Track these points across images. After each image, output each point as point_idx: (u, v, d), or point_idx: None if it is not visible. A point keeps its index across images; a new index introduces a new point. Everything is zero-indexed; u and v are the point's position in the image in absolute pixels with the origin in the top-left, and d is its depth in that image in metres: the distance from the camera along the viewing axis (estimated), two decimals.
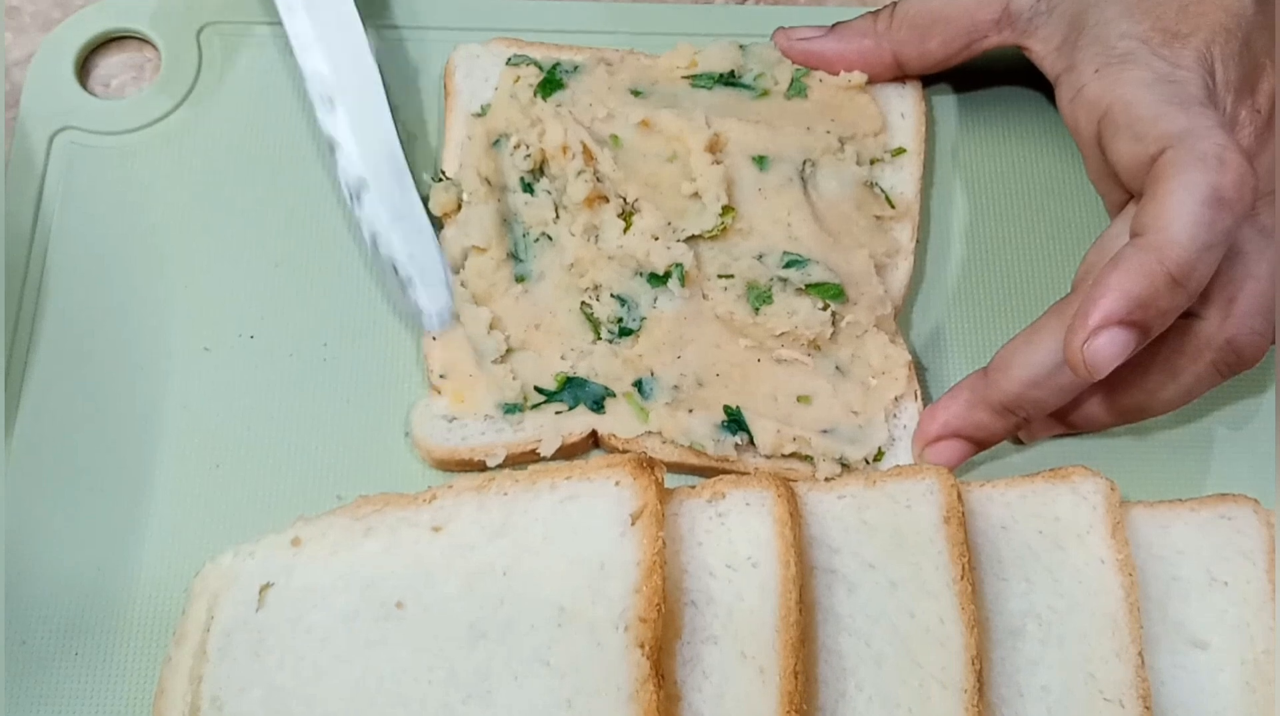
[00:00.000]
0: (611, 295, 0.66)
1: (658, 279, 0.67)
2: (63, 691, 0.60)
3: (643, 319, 0.66)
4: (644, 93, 0.71)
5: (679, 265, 0.66)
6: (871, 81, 0.73)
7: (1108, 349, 0.58)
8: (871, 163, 0.71)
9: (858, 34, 0.72)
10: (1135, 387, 0.65)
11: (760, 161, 0.69)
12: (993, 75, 0.76)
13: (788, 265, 0.67)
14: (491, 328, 0.66)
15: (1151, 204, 0.58)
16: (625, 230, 0.67)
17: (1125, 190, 0.64)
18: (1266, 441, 0.69)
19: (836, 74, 0.73)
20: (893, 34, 0.72)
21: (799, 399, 0.65)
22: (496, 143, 0.70)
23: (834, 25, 0.73)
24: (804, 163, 0.70)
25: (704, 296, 0.67)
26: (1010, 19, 0.69)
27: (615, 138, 0.70)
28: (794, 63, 0.73)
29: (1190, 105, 0.60)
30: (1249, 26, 0.63)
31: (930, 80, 0.75)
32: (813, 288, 0.66)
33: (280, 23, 0.75)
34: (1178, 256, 0.57)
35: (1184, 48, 0.62)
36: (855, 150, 0.71)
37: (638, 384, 0.66)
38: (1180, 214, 0.57)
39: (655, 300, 0.67)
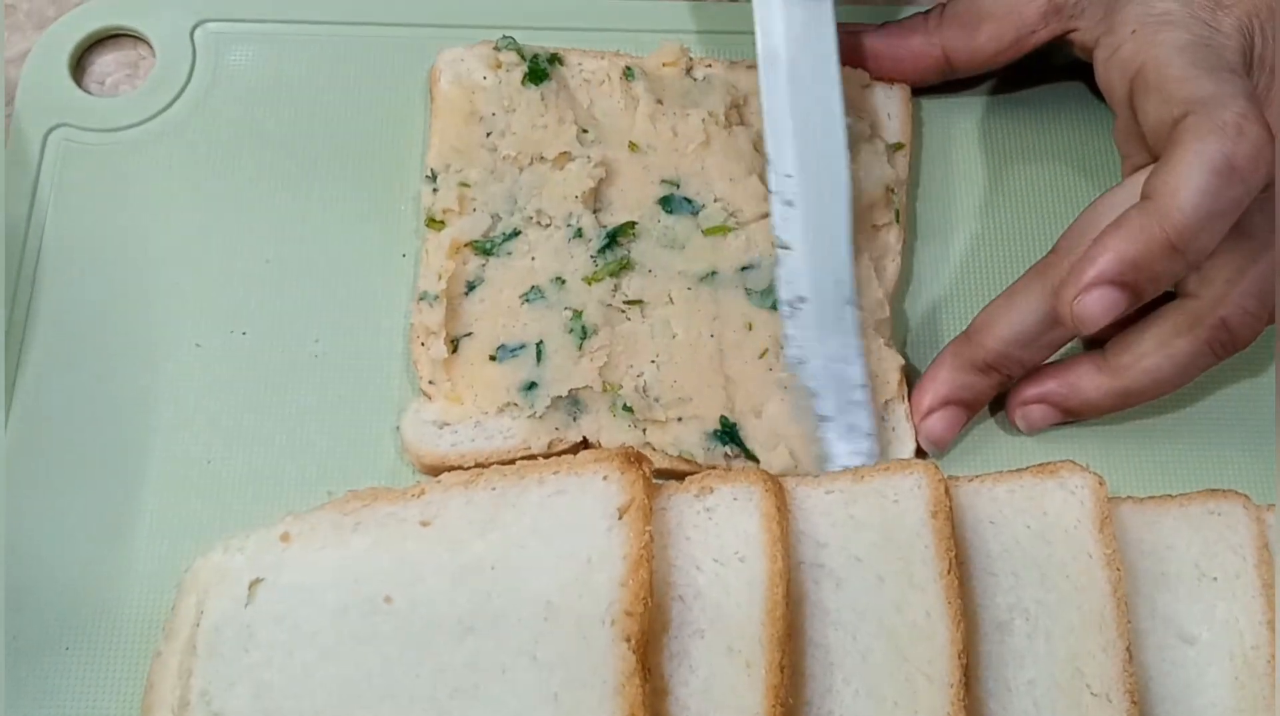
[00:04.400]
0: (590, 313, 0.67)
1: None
2: (52, 686, 0.61)
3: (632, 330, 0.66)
4: (636, 78, 0.71)
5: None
6: (920, 81, 0.73)
7: (1097, 306, 0.58)
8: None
9: (907, 31, 0.72)
10: (1134, 371, 0.65)
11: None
12: (983, 76, 0.76)
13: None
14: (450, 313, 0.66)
15: (1163, 168, 0.58)
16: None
17: (1149, 153, 0.64)
18: (1256, 437, 0.69)
19: (884, 72, 0.73)
20: (943, 31, 0.71)
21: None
22: (480, 120, 0.70)
23: (882, 24, 0.73)
24: None
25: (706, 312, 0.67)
26: (1056, 8, 0.68)
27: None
28: (839, 61, 0.72)
29: (1220, 71, 0.60)
30: None
31: None
32: None
33: (273, 20, 0.76)
34: (1179, 222, 0.57)
35: (1226, 15, 0.62)
36: (883, 145, 0.70)
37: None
38: (1188, 180, 0.57)
39: (642, 312, 0.67)
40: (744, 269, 0.67)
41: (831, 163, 0.66)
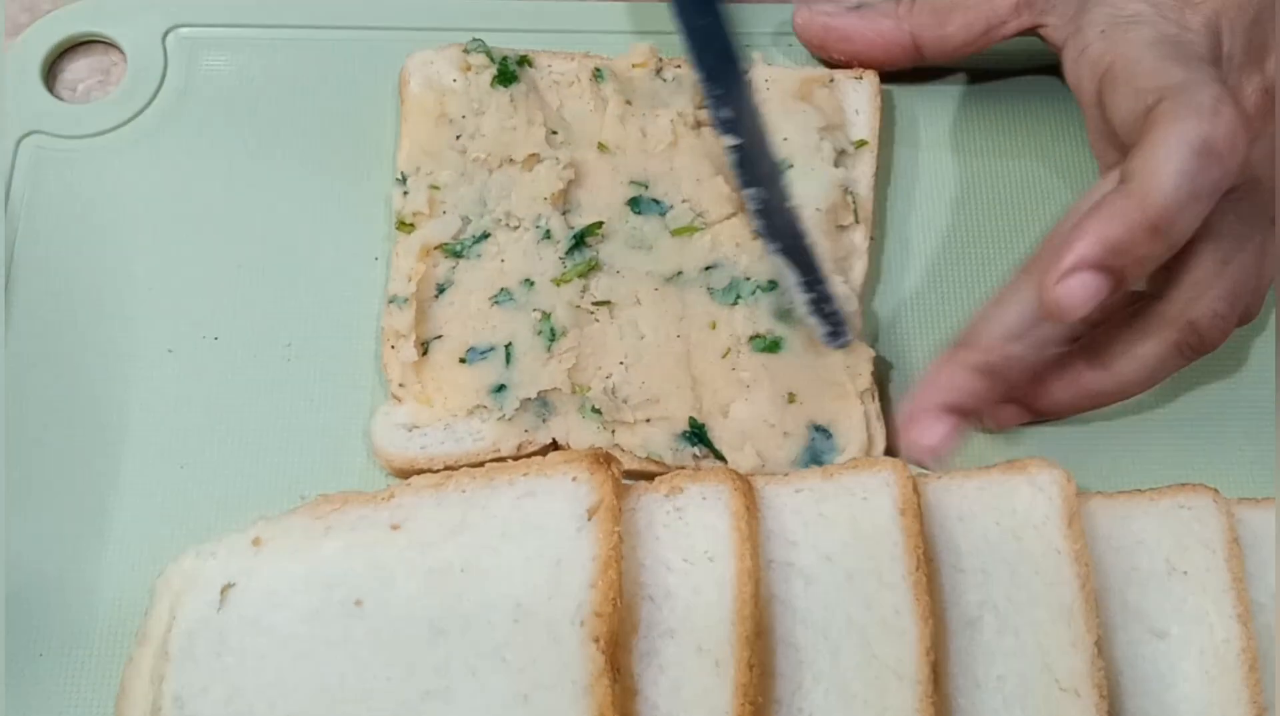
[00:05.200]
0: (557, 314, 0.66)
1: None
2: (26, 692, 0.61)
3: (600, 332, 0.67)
4: (606, 79, 0.72)
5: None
6: (888, 66, 0.73)
7: (1079, 292, 0.57)
8: (838, 155, 0.71)
9: (879, 14, 0.73)
10: (1099, 370, 0.65)
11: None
12: (950, 69, 0.77)
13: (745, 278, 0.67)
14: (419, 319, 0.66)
15: (1141, 151, 0.58)
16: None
17: (1121, 151, 0.63)
18: (1224, 430, 0.69)
19: (853, 55, 0.73)
20: (914, 17, 0.72)
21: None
22: (450, 123, 0.70)
23: (854, 6, 0.73)
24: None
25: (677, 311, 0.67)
26: (1028, 1, 0.69)
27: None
28: (810, 39, 0.73)
29: (1191, 60, 0.60)
30: (1260, 3, 0.64)
31: (887, 75, 0.75)
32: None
33: (244, 25, 0.76)
34: (1159, 203, 0.56)
35: (1194, 13, 0.63)
36: (832, 147, 0.70)
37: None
38: (1167, 162, 0.56)
39: (610, 313, 0.67)
40: (707, 268, 0.68)
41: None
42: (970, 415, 0.64)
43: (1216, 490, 0.64)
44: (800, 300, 0.65)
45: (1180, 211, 0.57)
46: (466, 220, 0.69)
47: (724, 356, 0.66)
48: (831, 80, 0.73)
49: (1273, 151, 0.63)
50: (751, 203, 0.65)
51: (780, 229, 0.65)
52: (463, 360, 0.66)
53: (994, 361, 0.62)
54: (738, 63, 0.65)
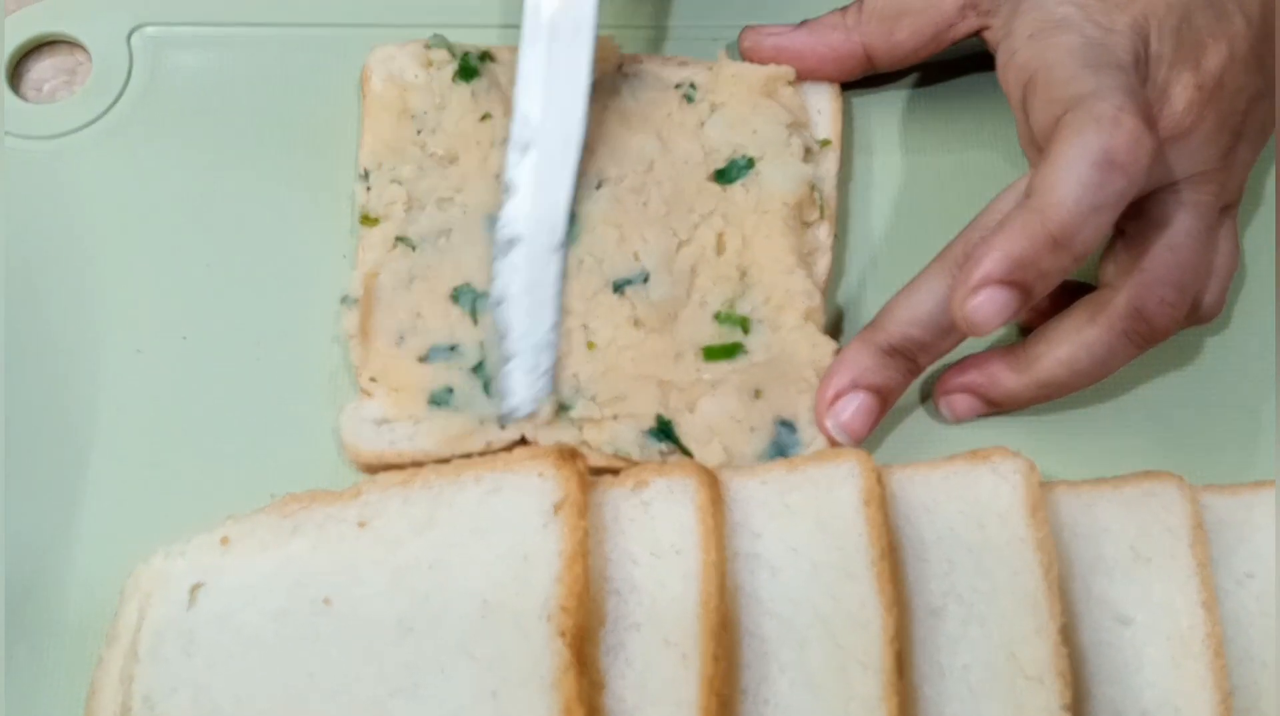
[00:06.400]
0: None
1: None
2: None
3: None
4: None
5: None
6: (842, 78, 0.74)
7: (987, 307, 0.58)
8: (806, 152, 0.71)
9: (827, 28, 0.73)
10: (1050, 360, 0.65)
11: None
12: (903, 72, 0.77)
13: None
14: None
15: (1044, 165, 0.59)
16: None
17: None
18: (1189, 418, 0.69)
19: (806, 71, 0.73)
20: (862, 27, 0.72)
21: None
22: (412, 118, 0.70)
23: (803, 22, 0.73)
24: (743, 158, 0.70)
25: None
26: (972, 3, 0.69)
27: None
28: (761, 61, 0.73)
29: (1104, 68, 0.60)
30: (1190, 3, 0.64)
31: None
32: (725, 317, 0.67)
33: (209, 23, 0.76)
34: (1060, 218, 0.57)
35: (1122, 14, 0.63)
36: (801, 143, 0.71)
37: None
38: (1067, 175, 0.57)
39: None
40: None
41: (571, 116, 0.68)
42: (881, 393, 0.65)
43: (1181, 477, 0.64)
44: (511, 352, 0.65)
45: (1082, 224, 0.57)
46: (427, 216, 0.68)
47: (676, 358, 0.66)
48: (795, 79, 0.73)
49: (1216, 145, 0.64)
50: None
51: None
52: (423, 359, 0.66)
53: (895, 342, 0.64)
54: None
